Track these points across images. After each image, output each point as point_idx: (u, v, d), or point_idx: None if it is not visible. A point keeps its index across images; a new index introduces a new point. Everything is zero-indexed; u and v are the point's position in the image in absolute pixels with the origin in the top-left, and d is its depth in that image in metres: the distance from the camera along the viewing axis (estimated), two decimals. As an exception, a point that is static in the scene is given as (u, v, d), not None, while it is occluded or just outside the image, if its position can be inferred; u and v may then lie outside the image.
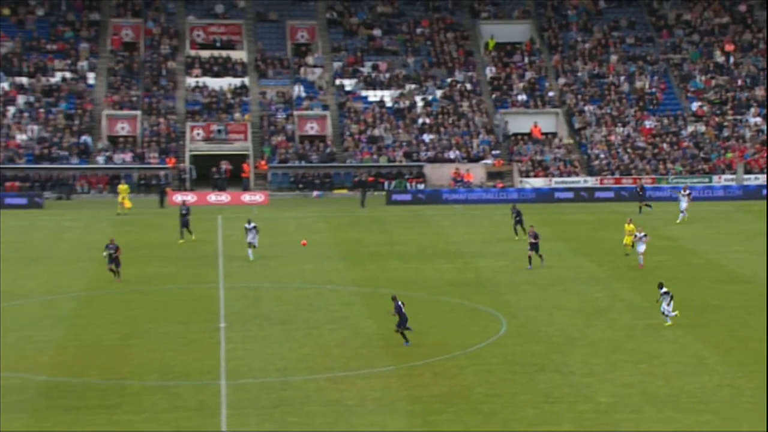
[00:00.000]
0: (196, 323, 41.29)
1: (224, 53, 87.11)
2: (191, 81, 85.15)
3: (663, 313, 40.15)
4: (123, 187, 70.87)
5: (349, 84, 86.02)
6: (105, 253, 48.59)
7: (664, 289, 39.92)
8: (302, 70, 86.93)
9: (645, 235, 50.36)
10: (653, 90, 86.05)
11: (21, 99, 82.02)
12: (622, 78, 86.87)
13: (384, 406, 31.91)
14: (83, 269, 51.72)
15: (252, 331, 40.27)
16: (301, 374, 34.87)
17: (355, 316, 42.65)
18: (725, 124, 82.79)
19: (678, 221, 64.22)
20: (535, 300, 44.97)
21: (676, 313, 40.12)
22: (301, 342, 38.57)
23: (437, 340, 38.64)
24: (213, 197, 75.17)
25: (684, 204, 64.56)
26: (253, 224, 53.14)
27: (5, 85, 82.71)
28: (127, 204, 69.15)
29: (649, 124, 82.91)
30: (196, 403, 32.08)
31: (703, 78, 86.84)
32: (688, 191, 65.56)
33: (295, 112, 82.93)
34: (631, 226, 52.47)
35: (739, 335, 39.43)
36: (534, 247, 50.86)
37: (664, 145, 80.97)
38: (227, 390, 33.36)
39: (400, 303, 37.54)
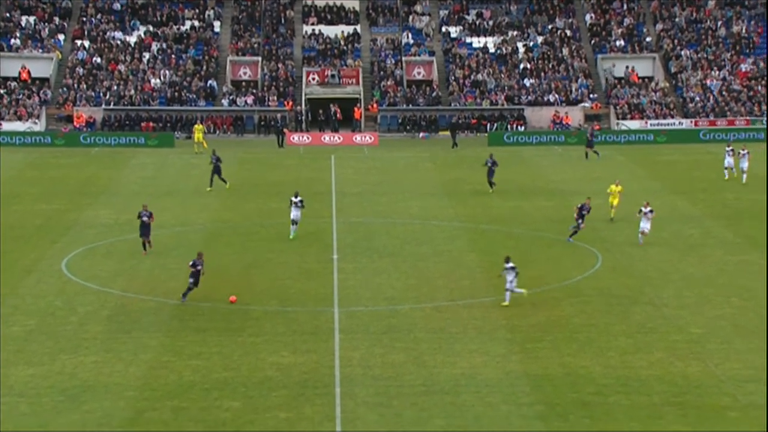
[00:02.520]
0: (311, 254, 41.73)
1: (338, 2, 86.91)
2: (307, 29, 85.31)
3: (507, 289, 34.31)
4: (198, 126, 71.19)
5: (454, 31, 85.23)
6: (140, 220, 41.23)
7: (510, 264, 34.21)
8: (410, 18, 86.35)
9: (651, 211, 42.24)
10: (750, 34, 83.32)
11: (155, 46, 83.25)
12: (719, 23, 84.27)
13: (484, 334, 31.90)
14: (208, 204, 52.56)
15: (362, 263, 40.53)
16: (408, 303, 35.04)
17: (458, 250, 42.59)
18: (819, 67, 79.97)
19: (726, 178, 56.84)
20: (630, 236, 44.29)
21: (523, 291, 34.45)
22: (408, 273, 38.71)
23: (536, 274, 38.38)
24: (327, 138, 75.50)
25: (730, 161, 55.75)
26: (299, 198, 44.21)
27: (141, 33, 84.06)
28: (205, 145, 69.13)
29: (744, 67, 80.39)
30: (311, 327, 32.51)
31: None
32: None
33: (404, 58, 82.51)
34: (619, 187, 46.75)
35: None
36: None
37: (760, 88, 78.51)
38: (340, 316, 33.71)
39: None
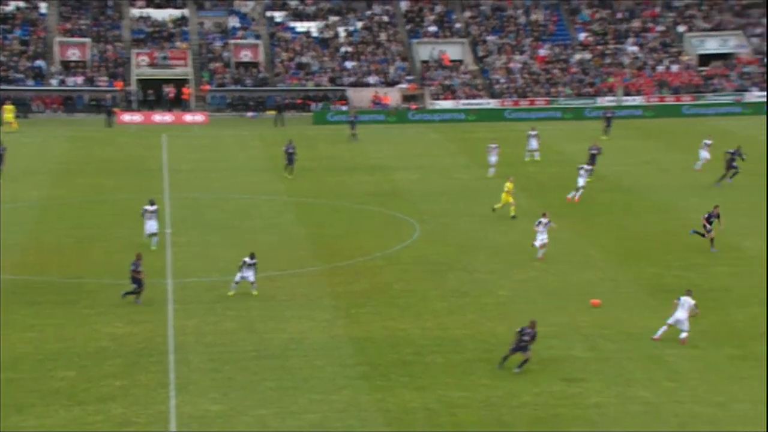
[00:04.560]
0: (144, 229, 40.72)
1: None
2: (135, 12, 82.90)
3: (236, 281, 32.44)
4: (8, 107, 68.39)
5: (278, 16, 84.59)
6: None
7: (253, 260, 32.19)
8: (236, 2, 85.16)
9: (549, 222, 37.01)
10: (546, 22, 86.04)
11: (-21, 26, 79.18)
12: (520, 11, 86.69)
13: (312, 301, 31.98)
14: (41, 181, 50.58)
15: (195, 237, 39.90)
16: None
17: (286, 223, 42.47)
18: (607, 52, 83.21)
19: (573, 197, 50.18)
20: (445, 208, 45.18)
21: (256, 291, 32.29)
22: (239, 245, 38.32)
23: (359, 244, 38.69)
24: (157, 117, 73.74)
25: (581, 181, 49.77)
26: (155, 206, 37.99)
27: (-36, 14, 79.78)
28: (14, 125, 66.48)
29: (542, 52, 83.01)
30: (146, 299, 31.80)
31: (589, 12, 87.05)
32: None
33: (231, 41, 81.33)
34: (510, 184, 43.38)
35: (618, 236, 40.12)
36: None
37: (556, 71, 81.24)
38: (174, 287, 33.10)
39: None
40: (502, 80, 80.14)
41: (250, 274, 32.29)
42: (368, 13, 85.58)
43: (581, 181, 45.65)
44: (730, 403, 24.08)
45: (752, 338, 27.72)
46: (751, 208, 43.55)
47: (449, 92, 78.99)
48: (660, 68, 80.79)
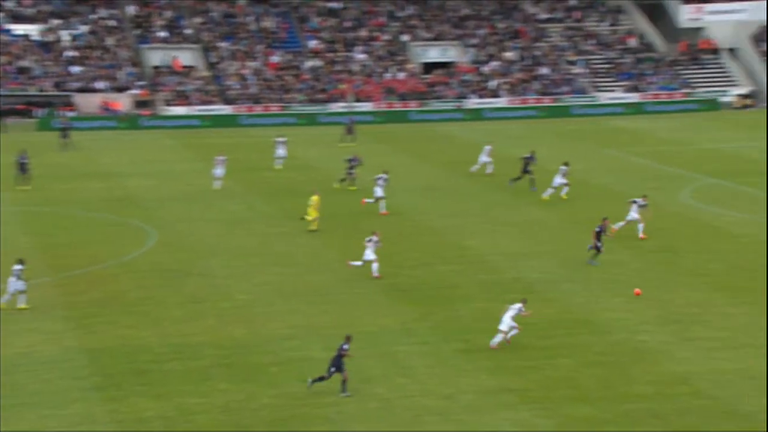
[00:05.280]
0: None
1: None
2: None
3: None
4: None
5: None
6: None
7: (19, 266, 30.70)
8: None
9: (378, 242, 35.23)
10: (277, 29, 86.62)
11: None
12: (250, 18, 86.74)
13: (42, 313, 30.50)
14: None
15: None
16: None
17: (10, 234, 40.22)
18: (337, 59, 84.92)
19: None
20: (180, 214, 44.42)
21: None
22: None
23: (91, 253, 37.29)
24: None
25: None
26: None
27: None
28: None
29: (274, 58, 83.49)
30: None
31: (318, 20, 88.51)
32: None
33: (-56, 43, 76.24)
34: (316, 197, 41.71)
35: (353, 236, 40.89)
36: None
37: (289, 77, 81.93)
38: None
39: None
40: (236, 86, 79.87)
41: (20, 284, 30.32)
42: (93, 17, 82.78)
43: (379, 192, 44.93)
44: (458, 395, 25.13)
45: (477, 332, 29.03)
46: (476, 210, 45.66)
47: (183, 98, 77.78)
48: (387, 75, 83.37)
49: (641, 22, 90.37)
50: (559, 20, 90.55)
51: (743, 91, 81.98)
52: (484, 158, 52.99)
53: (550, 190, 46.23)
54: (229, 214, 44.63)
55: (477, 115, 78.50)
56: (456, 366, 26.96)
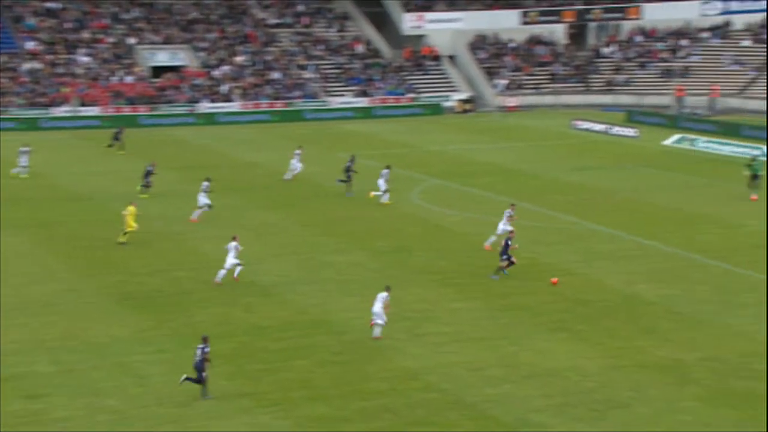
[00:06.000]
0: None
1: None
2: None
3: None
4: None
5: None
6: None
7: None
8: None
9: (236, 245, 34.12)
10: None
11: None
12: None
13: None
14: None
15: None
16: None
17: None
18: (59, 62, 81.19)
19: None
20: None
21: None
22: None
23: None
24: None
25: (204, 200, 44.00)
26: None
27: None
28: None
29: (-12, 61, 78.70)
30: None
31: (36, 20, 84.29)
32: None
33: None
34: (132, 208, 39.15)
35: (79, 245, 39.09)
36: None
37: (5, 80, 77.40)
38: None
39: None
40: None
41: None
42: None
43: (203, 199, 42.56)
44: (195, 402, 24.50)
45: (215, 337, 28.18)
46: (212, 214, 44.90)
47: None
48: (114, 79, 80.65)
49: (367, 29, 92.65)
50: (289, 25, 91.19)
51: (463, 96, 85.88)
52: (295, 163, 52.10)
53: (386, 196, 46.13)
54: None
55: (210, 119, 77.53)
56: (182, 370, 26.17)
